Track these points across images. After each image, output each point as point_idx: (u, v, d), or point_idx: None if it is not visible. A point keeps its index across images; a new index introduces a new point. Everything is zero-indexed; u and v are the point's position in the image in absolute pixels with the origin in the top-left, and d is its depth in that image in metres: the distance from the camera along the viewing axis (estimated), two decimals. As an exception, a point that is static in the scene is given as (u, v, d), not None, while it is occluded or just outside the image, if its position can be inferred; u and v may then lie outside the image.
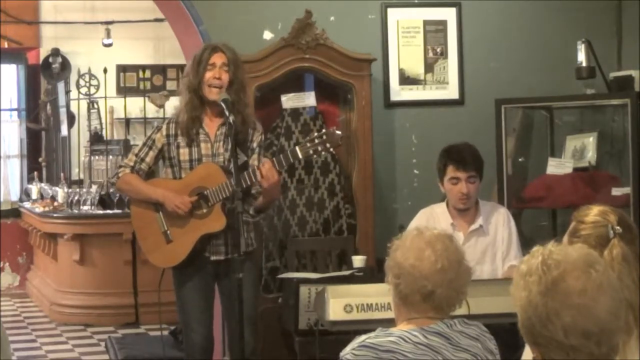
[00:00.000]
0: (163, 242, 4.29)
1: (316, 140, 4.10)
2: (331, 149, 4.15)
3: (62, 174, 9.88)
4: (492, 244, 4.37)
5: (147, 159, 4.38)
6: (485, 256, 4.35)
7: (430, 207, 4.51)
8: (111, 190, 8.48)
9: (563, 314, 1.74)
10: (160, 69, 11.32)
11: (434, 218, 4.40)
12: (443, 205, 4.43)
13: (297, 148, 4.14)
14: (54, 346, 7.43)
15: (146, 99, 9.91)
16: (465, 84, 5.91)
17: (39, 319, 8.67)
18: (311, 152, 4.11)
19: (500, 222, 4.39)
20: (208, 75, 4.29)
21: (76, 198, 8.66)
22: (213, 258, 4.28)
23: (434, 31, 5.89)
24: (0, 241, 9.81)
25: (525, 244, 4.43)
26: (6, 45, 11.02)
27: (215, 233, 4.23)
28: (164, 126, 4.41)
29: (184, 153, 4.32)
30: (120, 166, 4.51)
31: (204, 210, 4.22)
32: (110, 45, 11.18)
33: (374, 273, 4.75)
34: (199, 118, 4.33)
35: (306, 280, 4.64)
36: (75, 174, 10.40)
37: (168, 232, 4.28)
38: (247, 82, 4.47)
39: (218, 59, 4.31)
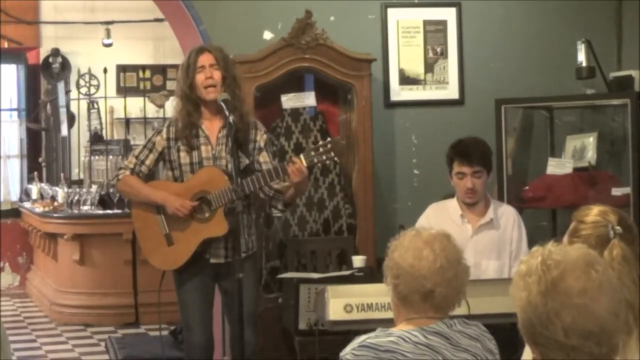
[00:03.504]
0: (164, 244, 4.28)
1: (321, 149, 4.06)
2: (335, 158, 4.11)
3: (62, 174, 9.87)
4: (501, 240, 4.38)
5: (147, 162, 4.36)
6: (492, 251, 4.36)
7: (442, 201, 4.55)
8: (111, 190, 8.48)
9: (563, 314, 1.74)
10: (160, 69, 11.31)
11: (442, 211, 4.43)
12: (454, 200, 4.47)
13: (301, 156, 4.08)
14: (54, 346, 7.42)
15: (146, 99, 9.92)
16: (465, 84, 5.91)
17: (39, 319, 8.66)
18: (315, 160, 4.07)
19: (510, 220, 4.41)
20: (200, 77, 4.27)
21: (76, 198, 8.65)
22: (212, 261, 4.27)
23: (434, 31, 5.89)
24: (0, 241, 9.80)
25: (525, 244, 4.44)
26: (6, 45, 11.01)
27: (216, 238, 4.22)
28: (165, 129, 4.39)
29: (184, 156, 4.30)
30: (121, 168, 4.48)
31: (207, 215, 4.21)
32: (110, 45, 11.17)
33: (374, 273, 4.75)
34: (195, 124, 4.30)
35: (306, 280, 4.63)
36: (75, 174, 10.40)
37: (170, 234, 4.27)
38: (240, 78, 4.44)
39: (206, 59, 4.30)
